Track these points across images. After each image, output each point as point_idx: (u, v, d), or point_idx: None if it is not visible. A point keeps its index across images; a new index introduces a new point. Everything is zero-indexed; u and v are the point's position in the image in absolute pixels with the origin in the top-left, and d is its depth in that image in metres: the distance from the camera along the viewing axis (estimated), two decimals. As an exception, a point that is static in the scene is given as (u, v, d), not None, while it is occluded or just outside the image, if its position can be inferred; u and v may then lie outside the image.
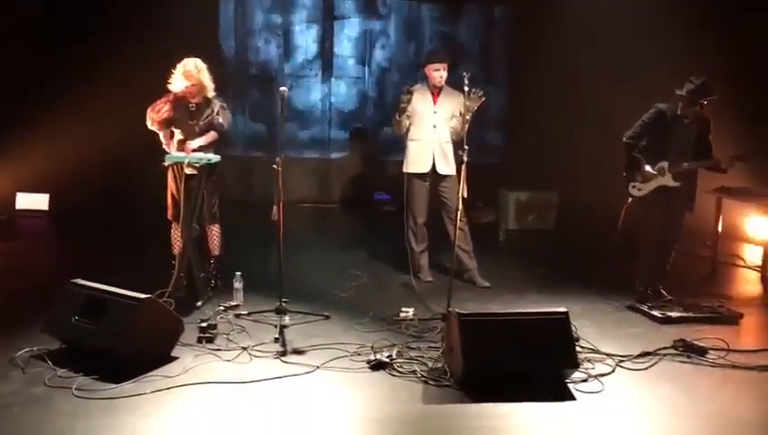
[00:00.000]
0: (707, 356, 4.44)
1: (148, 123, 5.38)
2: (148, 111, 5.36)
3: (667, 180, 5.49)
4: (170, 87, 5.33)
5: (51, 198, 8.60)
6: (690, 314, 5.21)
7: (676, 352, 4.50)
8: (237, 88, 10.09)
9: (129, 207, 8.48)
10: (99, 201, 8.51)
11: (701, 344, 4.51)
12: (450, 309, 4.51)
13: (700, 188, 5.68)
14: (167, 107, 5.35)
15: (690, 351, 4.48)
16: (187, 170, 5.24)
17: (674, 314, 5.19)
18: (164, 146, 5.42)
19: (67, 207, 8.51)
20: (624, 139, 5.60)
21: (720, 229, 6.73)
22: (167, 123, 5.40)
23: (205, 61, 5.43)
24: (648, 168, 5.49)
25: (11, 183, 8.47)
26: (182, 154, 5.29)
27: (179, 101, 5.38)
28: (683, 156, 5.45)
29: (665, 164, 5.48)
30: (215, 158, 5.33)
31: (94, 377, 3.82)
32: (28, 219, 8.41)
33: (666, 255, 5.67)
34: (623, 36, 8.50)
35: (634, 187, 5.63)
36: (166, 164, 5.27)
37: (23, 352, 4.10)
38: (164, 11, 8.58)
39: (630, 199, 5.68)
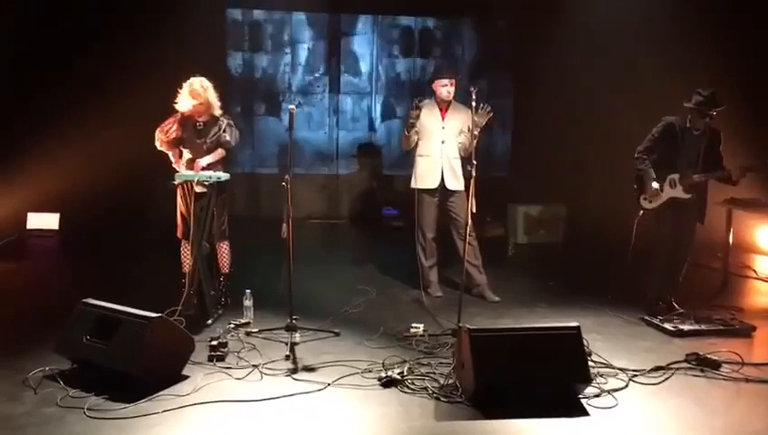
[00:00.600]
0: (721, 370, 4.40)
1: (157, 144, 5.42)
2: (157, 131, 5.40)
3: (679, 192, 5.49)
4: (177, 106, 5.37)
5: (61, 217, 8.66)
6: (702, 327, 5.17)
7: (689, 365, 4.47)
8: (245, 106, 10.18)
9: (139, 226, 8.51)
10: (109, 220, 8.54)
11: (714, 358, 4.47)
12: (460, 324, 4.50)
13: (710, 199, 5.66)
14: (175, 127, 5.39)
15: (703, 364, 4.44)
16: (197, 189, 5.27)
17: (686, 328, 5.15)
18: (173, 165, 5.46)
19: (77, 226, 8.56)
20: (636, 154, 5.62)
21: (731, 241, 6.68)
22: (175, 143, 5.43)
23: (212, 79, 5.48)
24: (654, 184, 5.50)
25: (21, 203, 8.53)
26: (191, 172, 5.31)
27: (187, 121, 5.42)
28: (693, 168, 5.45)
29: (675, 176, 5.48)
30: (224, 176, 5.35)
31: (106, 397, 3.82)
32: (39, 239, 8.46)
33: (678, 267, 5.64)
34: (630, 47, 8.52)
35: (645, 199, 5.63)
36: (176, 183, 5.30)
37: (34, 372, 4.11)
38: (172, 29, 8.65)
39: (642, 212, 5.67)
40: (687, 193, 5.47)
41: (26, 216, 8.63)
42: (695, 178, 5.42)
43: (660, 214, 5.58)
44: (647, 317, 5.42)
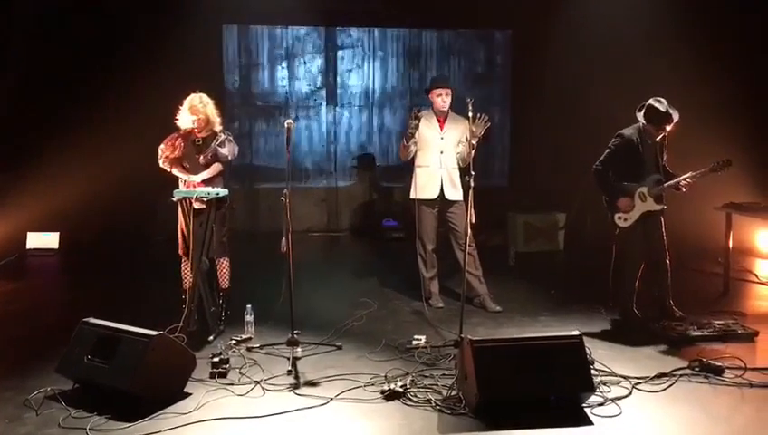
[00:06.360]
0: (724, 375, 4.39)
1: (160, 162, 5.42)
2: (161, 148, 5.41)
3: (651, 205, 5.47)
4: (178, 123, 5.39)
5: (61, 236, 8.66)
6: (705, 333, 5.14)
7: (692, 372, 4.46)
8: (242, 121, 10.21)
9: (140, 244, 8.51)
10: (109, 239, 8.55)
11: (717, 364, 4.46)
12: (462, 335, 4.49)
13: (710, 204, 5.65)
14: (178, 142, 5.40)
15: (707, 370, 4.43)
16: (196, 205, 5.26)
17: (688, 333, 5.13)
18: (183, 180, 5.45)
19: (77, 245, 8.56)
20: (594, 168, 5.57)
21: (731, 245, 6.67)
22: (177, 160, 5.44)
23: (210, 95, 5.50)
24: (624, 199, 5.49)
25: (21, 223, 8.52)
26: (189, 189, 5.32)
27: (187, 137, 5.44)
28: (656, 176, 5.45)
29: (644, 189, 5.47)
30: (222, 191, 5.34)
31: (108, 416, 3.81)
32: (39, 258, 8.45)
33: (662, 271, 5.58)
34: (627, 52, 8.53)
35: (620, 218, 5.58)
36: (174, 200, 5.30)
37: (36, 393, 4.10)
38: (169, 47, 8.67)
39: (618, 231, 5.63)
40: (658, 204, 5.47)
41: (26, 235, 8.63)
42: (660, 189, 5.40)
43: (635, 229, 5.55)
44: (649, 324, 5.38)
